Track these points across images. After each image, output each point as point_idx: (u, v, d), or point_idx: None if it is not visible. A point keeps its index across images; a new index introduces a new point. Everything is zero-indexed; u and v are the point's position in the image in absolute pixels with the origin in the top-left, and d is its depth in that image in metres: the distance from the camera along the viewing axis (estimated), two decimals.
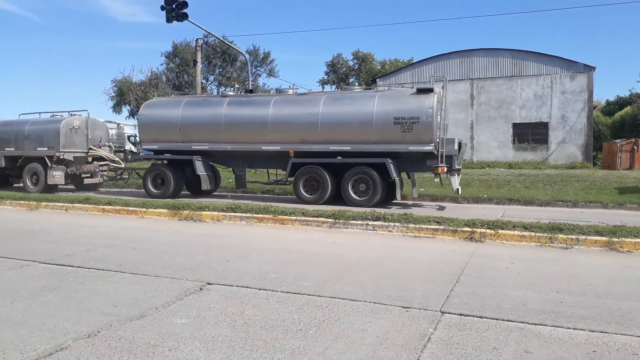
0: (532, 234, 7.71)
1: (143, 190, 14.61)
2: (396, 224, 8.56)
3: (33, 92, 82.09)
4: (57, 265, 6.02)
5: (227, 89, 53.20)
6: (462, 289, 5.08)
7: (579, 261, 6.59)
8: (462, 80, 31.66)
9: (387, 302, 4.59)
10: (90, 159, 16.97)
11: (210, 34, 29.51)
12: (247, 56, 31.85)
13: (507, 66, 30.76)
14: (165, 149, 14.55)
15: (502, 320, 4.12)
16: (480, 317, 4.18)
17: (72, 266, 5.95)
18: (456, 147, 12.08)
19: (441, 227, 8.24)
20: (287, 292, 4.88)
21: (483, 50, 31.54)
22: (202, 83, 34.98)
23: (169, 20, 19.85)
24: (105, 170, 17.08)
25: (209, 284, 5.20)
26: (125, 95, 41.20)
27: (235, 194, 15.19)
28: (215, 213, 10.15)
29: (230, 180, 16.56)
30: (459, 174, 12.47)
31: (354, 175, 12.28)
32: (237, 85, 50.68)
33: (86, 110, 17.27)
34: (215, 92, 53.33)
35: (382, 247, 7.45)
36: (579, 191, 14.92)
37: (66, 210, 11.57)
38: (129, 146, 28.86)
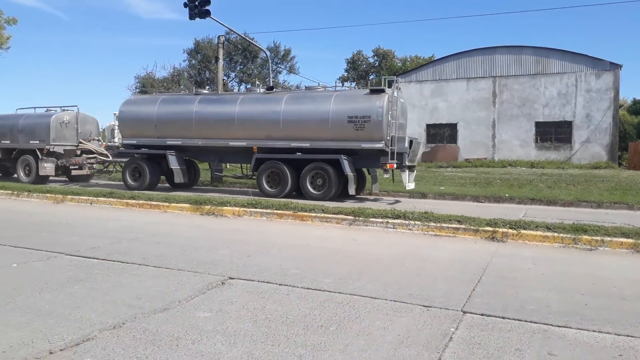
0: (556, 234, 7.60)
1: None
2: (416, 222, 8.52)
3: (59, 87, 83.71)
4: (83, 257, 6.14)
5: (248, 86, 53.52)
6: (483, 288, 5.04)
7: (604, 263, 6.47)
8: (484, 78, 31.29)
9: (408, 300, 4.58)
10: (79, 152, 17.86)
11: (232, 31, 29.65)
12: (268, 53, 31.96)
13: (530, 64, 30.28)
14: (142, 143, 15.37)
15: (525, 321, 4.07)
16: (503, 318, 4.15)
17: (98, 259, 6.07)
18: (407, 144, 12.61)
19: (462, 226, 8.17)
20: (307, 288, 4.91)
21: (506, 48, 31.11)
22: (223, 80, 35.22)
23: (191, 17, 20.01)
24: (93, 163, 17.88)
25: (230, 278, 5.26)
26: (148, 92, 41.71)
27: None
28: (236, 208, 10.24)
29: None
30: (412, 170, 13.34)
31: (312, 171, 12.93)
32: (257, 82, 51.00)
33: (76, 106, 18.25)
34: (236, 89, 53.73)
35: (402, 245, 7.43)
36: (604, 192, 14.63)
37: (91, 203, 11.79)
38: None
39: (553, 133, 29.81)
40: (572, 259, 6.68)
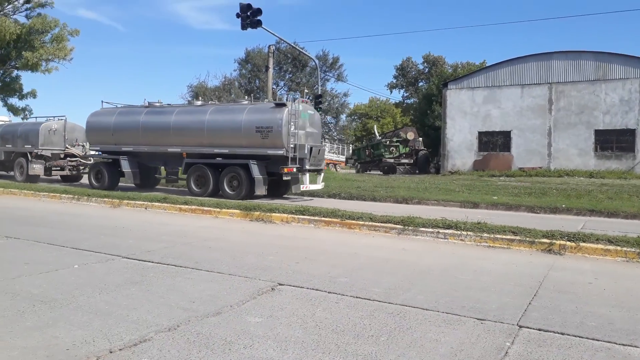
0: (618, 248, 7.20)
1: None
2: (469, 232, 8.30)
3: (117, 96, 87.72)
4: (139, 260, 6.36)
5: (296, 94, 54.12)
6: (540, 302, 4.84)
7: None
8: (539, 85, 30.29)
9: (460, 313, 4.46)
10: (63, 156, 20.78)
11: (282, 40, 30.16)
12: (317, 61, 32.25)
13: (589, 69, 29.05)
14: (104, 150, 17.98)
15: (587, 338, 3.87)
16: (562, 334, 3.96)
17: (153, 262, 6.27)
18: (306, 151, 14.56)
19: (517, 237, 7.90)
20: (357, 297, 4.87)
21: (563, 53, 30.00)
22: (272, 88, 35.78)
23: (243, 27, 20.50)
24: (74, 165, 20.82)
25: (280, 284, 5.30)
26: (201, 100, 42.88)
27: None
28: (285, 215, 10.33)
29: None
30: (319, 173, 15.72)
31: (229, 174, 14.90)
32: (305, 91, 51.51)
33: (64, 116, 21.94)
34: (285, 97, 54.43)
35: (453, 256, 7.26)
36: None
37: (146, 208, 12.23)
38: None
39: (614, 142, 28.40)
40: (636, 274, 6.31)
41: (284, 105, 14.56)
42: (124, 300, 4.61)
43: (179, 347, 3.49)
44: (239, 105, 16.11)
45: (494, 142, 31.70)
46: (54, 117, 21.99)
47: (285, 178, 14.60)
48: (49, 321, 3.96)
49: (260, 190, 14.36)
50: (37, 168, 20.18)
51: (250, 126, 14.63)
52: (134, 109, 17.90)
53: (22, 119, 22.65)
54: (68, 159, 20.67)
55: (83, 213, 11.47)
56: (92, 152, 19.41)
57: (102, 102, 18.89)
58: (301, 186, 14.68)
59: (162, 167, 17.62)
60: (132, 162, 17.10)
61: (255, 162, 14.33)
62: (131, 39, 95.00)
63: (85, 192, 14.47)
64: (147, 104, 17.64)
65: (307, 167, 14.62)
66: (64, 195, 14.23)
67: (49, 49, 46.37)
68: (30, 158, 20.33)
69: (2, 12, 45.01)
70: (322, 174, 15.87)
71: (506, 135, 31.26)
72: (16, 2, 45.41)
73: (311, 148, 14.84)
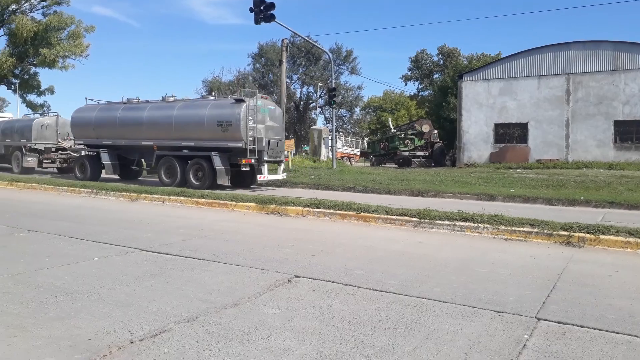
0: (639, 240, 7.10)
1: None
2: (486, 225, 8.24)
3: (133, 91, 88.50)
4: (157, 253, 6.45)
5: (310, 88, 54.01)
6: (559, 295, 4.80)
7: None
8: (556, 75, 29.84)
9: (477, 305, 4.44)
10: (54, 149, 22.26)
11: (296, 34, 30.09)
12: (330, 55, 32.14)
13: (608, 59, 28.53)
14: (87, 143, 19.23)
15: (607, 331, 3.84)
16: (582, 327, 3.93)
17: (171, 254, 6.35)
18: (264, 144, 15.53)
19: (535, 229, 7.82)
20: (373, 290, 4.88)
21: (581, 43, 29.49)
22: (286, 82, 35.78)
23: (257, 21, 20.47)
24: (64, 158, 22.17)
25: (296, 276, 5.33)
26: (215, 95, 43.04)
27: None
28: (300, 208, 10.36)
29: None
30: (279, 164, 16.79)
31: (194, 165, 15.82)
32: (320, 84, 51.36)
33: (56, 112, 24.01)
34: (298, 92, 54.40)
35: (470, 248, 7.22)
36: None
37: (163, 202, 12.36)
38: None
39: (634, 132, 27.89)
40: None
41: (242, 101, 15.33)
42: (144, 291, 4.68)
43: (198, 338, 3.53)
44: (204, 101, 17.03)
45: (511, 134, 31.34)
46: (49, 113, 24.14)
47: (243, 169, 15.59)
48: (71, 312, 4.04)
49: (223, 180, 15.28)
50: (30, 161, 21.92)
51: (212, 120, 15.56)
52: (112, 106, 18.96)
53: (41, 115, 24.20)
54: (59, 152, 22.16)
55: (102, 207, 11.63)
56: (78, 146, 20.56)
57: (85, 99, 19.90)
58: (259, 176, 15.78)
59: (143, 160, 18.58)
60: (111, 155, 18.30)
61: (217, 154, 15.29)
62: (146, 35, 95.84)
63: (103, 186, 14.68)
64: (125, 101, 18.67)
65: (266, 158, 15.68)
66: (82, 189, 14.44)
67: (65, 46, 46.94)
68: (24, 151, 22.09)
69: (19, 10, 45.62)
70: (283, 165, 17.03)
71: (523, 127, 30.89)
72: (33, 0, 45.96)
73: (269, 141, 15.84)
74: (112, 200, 13.07)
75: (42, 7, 47.03)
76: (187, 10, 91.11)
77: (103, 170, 18.40)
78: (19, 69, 48.29)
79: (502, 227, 8.10)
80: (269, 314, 4.10)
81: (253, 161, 15.38)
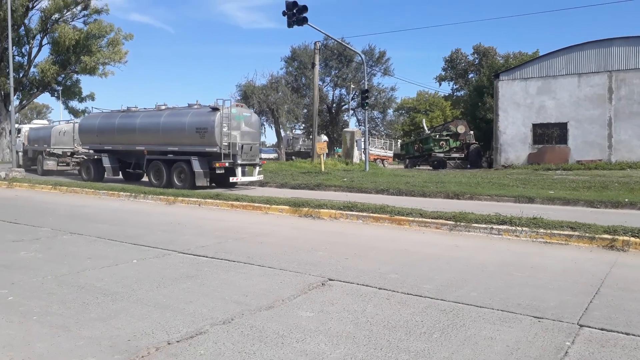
0: None
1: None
2: (524, 228, 8.03)
3: (170, 96, 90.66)
4: (194, 255, 6.56)
5: (342, 90, 53.96)
6: (603, 301, 4.62)
7: None
8: (598, 73, 28.85)
9: (516, 310, 4.33)
10: (69, 153, 24.30)
11: (328, 36, 30.15)
12: (363, 56, 32.04)
13: None
14: (92, 148, 20.94)
15: None
16: (627, 334, 3.77)
17: (207, 257, 6.45)
18: (237, 148, 16.82)
19: (576, 233, 7.57)
20: (408, 294, 4.82)
21: (624, 39, 28.43)
22: (319, 85, 35.89)
23: (289, 25, 20.62)
24: (77, 161, 23.12)
25: (330, 279, 5.32)
26: (249, 99, 43.59)
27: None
28: (333, 211, 10.35)
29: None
30: (254, 167, 17.96)
31: (177, 168, 17.32)
32: (352, 86, 51.26)
33: (73, 120, 26.93)
34: (330, 94, 54.45)
35: (508, 252, 7.05)
36: None
37: (199, 205, 12.58)
38: None
39: None
40: None
41: (217, 109, 16.65)
42: (181, 293, 4.77)
43: (234, 340, 3.57)
44: (187, 109, 18.18)
45: (550, 135, 30.48)
46: (67, 121, 26.97)
47: (218, 172, 16.83)
48: (111, 313, 4.16)
49: (201, 182, 16.70)
50: (50, 164, 24.24)
51: (192, 127, 17.00)
52: (113, 114, 20.67)
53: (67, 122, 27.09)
54: (74, 156, 23.85)
55: (140, 210, 11.93)
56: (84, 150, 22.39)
57: (92, 108, 22.07)
58: (231, 178, 16.94)
59: (139, 163, 19.97)
60: (112, 159, 20.05)
61: (196, 158, 16.76)
62: (181, 41, 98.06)
63: (142, 189, 15.05)
64: (124, 109, 20.23)
65: (239, 162, 16.95)
66: (122, 193, 14.84)
67: (105, 53, 48.46)
68: (44, 155, 24.48)
69: (61, 19, 47.38)
70: (258, 168, 18.24)
71: (562, 127, 29.99)
72: (74, 9, 47.64)
73: (242, 145, 17.15)
74: (149, 204, 13.38)
75: (83, 16, 48.71)
76: (221, 15, 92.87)
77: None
78: (62, 76, 50.14)
79: (542, 230, 7.88)
80: (303, 317, 4.10)
81: (227, 164, 16.60)
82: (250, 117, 18.21)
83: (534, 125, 30.92)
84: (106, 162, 20.04)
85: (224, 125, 16.57)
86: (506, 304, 4.51)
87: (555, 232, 7.75)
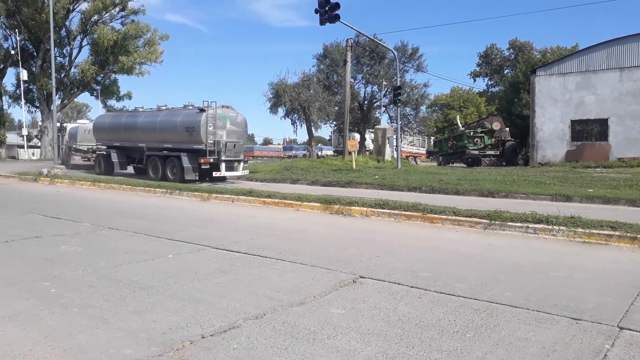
0: None
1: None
2: (561, 227, 7.82)
3: (205, 94, 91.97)
4: (227, 250, 6.66)
5: (374, 87, 53.61)
6: None
7: None
8: None
9: (553, 311, 4.22)
10: (92, 150, 25.67)
11: (360, 33, 30.01)
12: (395, 53, 31.73)
13: None
14: (105, 145, 22.94)
15: None
16: None
17: (239, 252, 6.54)
18: (222, 146, 18.44)
19: (617, 233, 7.32)
20: (440, 293, 4.77)
21: None
22: (350, 82, 35.77)
23: (322, 22, 20.62)
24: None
25: (361, 277, 5.32)
26: (281, 97, 43.83)
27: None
28: (364, 209, 10.33)
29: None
30: (239, 162, 19.48)
31: (170, 163, 19.26)
32: (384, 83, 50.89)
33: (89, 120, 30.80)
34: (362, 91, 54.22)
35: (544, 252, 6.88)
36: None
37: (232, 201, 12.75)
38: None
39: None
40: None
41: (203, 110, 18.38)
42: (214, 288, 4.85)
43: (266, 335, 3.61)
44: (180, 110, 19.99)
45: (589, 131, 29.54)
46: (91, 120, 29.98)
47: (203, 167, 18.36)
48: (148, 306, 4.27)
49: (190, 176, 18.43)
50: (76, 159, 27.18)
51: (182, 126, 18.83)
52: (121, 114, 23.47)
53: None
54: (95, 152, 25.93)
55: (175, 206, 12.19)
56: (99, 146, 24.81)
57: (106, 109, 24.34)
58: (214, 173, 18.54)
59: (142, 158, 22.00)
60: (120, 154, 22.09)
61: (185, 154, 18.49)
62: (215, 40, 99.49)
63: (177, 186, 15.37)
64: (131, 110, 22.48)
65: (224, 158, 18.62)
66: (158, 189, 15.20)
67: (141, 53, 49.62)
68: (72, 152, 27.70)
69: (100, 21, 48.74)
70: (242, 163, 19.83)
71: (602, 123, 29.01)
72: (113, 11, 48.92)
73: (226, 143, 18.75)
74: (185, 200, 13.65)
75: (121, 17, 49.99)
76: (254, 14, 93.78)
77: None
78: (101, 76, 51.62)
79: (580, 230, 7.66)
80: (335, 313, 4.12)
81: (212, 160, 18.23)
82: (236, 117, 19.74)
83: (573, 122, 30.03)
84: (114, 157, 22.12)
85: (210, 124, 18.39)
86: (542, 304, 4.41)
87: (595, 231, 7.51)
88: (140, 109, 22.24)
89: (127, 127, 21.48)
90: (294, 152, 69.79)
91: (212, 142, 18.31)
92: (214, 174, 18.60)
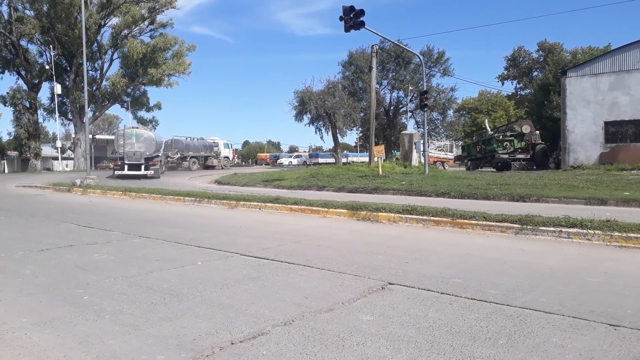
0: None
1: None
2: (597, 231, 7.58)
3: (229, 103, 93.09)
4: (255, 257, 6.69)
5: (400, 93, 53.31)
6: None
7: None
8: None
9: (589, 318, 4.09)
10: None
11: (385, 39, 29.97)
12: (421, 58, 31.55)
13: None
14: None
15: None
16: None
17: (267, 259, 6.56)
18: (124, 154, 29.49)
19: None
20: (472, 299, 4.67)
21: None
22: (375, 88, 35.67)
23: (347, 29, 20.66)
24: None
25: (390, 283, 5.26)
26: (307, 105, 43.99)
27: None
28: (392, 214, 10.24)
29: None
30: (143, 166, 29.49)
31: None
32: (410, 88, 50.58)
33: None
34: (387, 97, 53.90)
35: (579, 257, 6.68)
36: None
37: (260, 209, 12.83)
38: (224, 154, 50.11)
39: None
40: None
41: (118, 130, 26.43)
42: (243, 294, 4.87)
43: (295, 342, 3.60)
44: (115, 130, 30.61)
45: (624, 133, 28.67)
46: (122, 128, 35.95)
47: (115, 169, 30.42)
48: (178, 313, 4.31)
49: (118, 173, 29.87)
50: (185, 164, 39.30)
51: (113, 142, 28.26)
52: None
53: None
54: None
55: (204, 214, 12.33)
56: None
57: (136, 120, 32.12)
58: (118, 171, 29.46)
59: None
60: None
61: (116, 160, 30.01)
62: (240, 50, 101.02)
63: (205, 194, 15.57)
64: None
65: (126, 162, 29.46)
66: (187, 197, 15.42)
67: (170, 65, 50.68)
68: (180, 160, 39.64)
69: (130, 35, 50.01)
70: (143, 166, 29.37)
71: (638, 124, 28.13)
72: (142, 25, 50.14)
73: (132, 153, 29.52)
74: (213, 208, 13.80)
75: (150, 30, 51.21)
76: (277, 24, 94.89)
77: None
78: (131, 88, 52.89)
79: (616, 234, 7.41)
80: (364, 320, 4.08)
81: (119, 163, 29.80)
82: (143, 133, 30.61)
83: (606, 123, 29.21)
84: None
85: (120, 140, 30.05)
86: (578, 310, 4.27)
87: (632, 235, 7.26)
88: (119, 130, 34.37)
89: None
90: (320, 159, 70.01)
91: (121, 151, 29.67)
92: (117, 172, 29.54)
